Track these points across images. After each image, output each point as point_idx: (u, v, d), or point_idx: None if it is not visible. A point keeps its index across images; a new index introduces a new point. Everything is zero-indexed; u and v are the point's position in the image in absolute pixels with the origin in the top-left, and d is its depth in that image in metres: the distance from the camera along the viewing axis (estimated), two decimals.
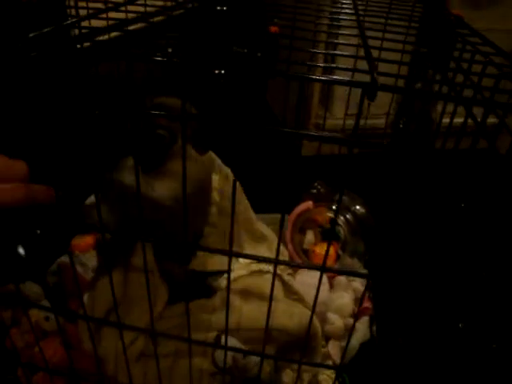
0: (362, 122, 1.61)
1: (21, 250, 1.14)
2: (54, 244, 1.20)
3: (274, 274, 0.57)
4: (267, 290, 0.89)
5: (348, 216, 1.11)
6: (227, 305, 0.59)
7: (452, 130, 0.80)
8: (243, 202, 1.02)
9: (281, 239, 0.57)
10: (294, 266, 0.89)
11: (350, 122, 1.59)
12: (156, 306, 0.84)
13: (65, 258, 1.12)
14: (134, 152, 0.72)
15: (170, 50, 0.50)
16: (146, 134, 0.75)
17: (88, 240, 1.17)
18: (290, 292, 0.93)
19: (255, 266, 0.91)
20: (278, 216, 1.24)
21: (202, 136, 0.83)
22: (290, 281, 0.95)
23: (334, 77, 0.47)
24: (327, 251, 0.54)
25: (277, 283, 0.91)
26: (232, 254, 0.55)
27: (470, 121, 0.64)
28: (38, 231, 1.25)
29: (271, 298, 0.59)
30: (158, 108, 0.76)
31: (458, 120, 0.78)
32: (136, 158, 0.68)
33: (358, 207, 1.14)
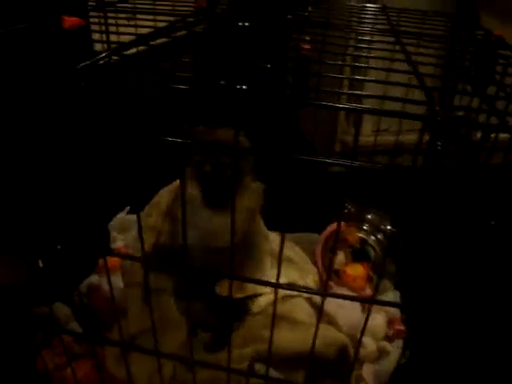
0: (393, 138, 1.59)
1: (40, 263, 1.14)
2: (79, 263, 1.20)
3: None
4: (298, 315, 0.89)
5: (379, 236, 1.09)
6: (272, 329, 0.57)
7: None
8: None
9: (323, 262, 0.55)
10: (342, 298, 0.87)
11: (379, 138, 1.57)
12: (177, 336, 0.84)
13: (93, 279, 1.12)
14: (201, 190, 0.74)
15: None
16: (212, 176, 0.77)
17: (113, 260, 1.17)
18: (323, 314, 0.91)
19: (284, 292, 0.89)
20: (311, 235, 1.24)
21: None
22: (318, 303, 0.93)
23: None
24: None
25: (307, 307, 0.90)
26: (279, 286, 0.54)
27: None
28: (59, 246, 1.25)
29: (317, 327, 0.57)
30: (212, 144, 0.78)
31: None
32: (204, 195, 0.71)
33: (388, 227, 1.12)
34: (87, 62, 0.44)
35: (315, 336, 0.57)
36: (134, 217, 1.29)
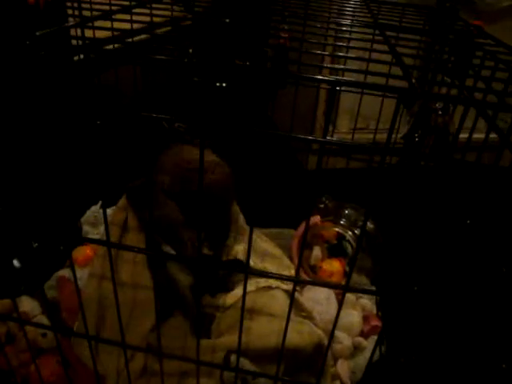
0: (369, 136, 1.59)
1: (16, 263, 1.10)
2: (51, 257, 1.16)
3: (293, 292, 0.53)
4: (276, 307, 0.86)
5: (357, 231, 1.08)
6: (241, 322, 0.55)
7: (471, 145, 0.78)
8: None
9: (301, 256, 0.54)
10: (315, 284, 0.85)
11: (357, 136, 1.57)
12: (145, 323, 0.81)
13: (63, 272, 1.08)
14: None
15: (190, 50, 0.48)
16: None
17: (87, 253, 1.13)
18: (299, 309, 0.90)
19: (263, 282, 0.87)
20: (285, 231, 1.23)
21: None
22: (299, 298, 0.91)
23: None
24: (350, 271, 0.52)
25: (285, 300, 0.88)
26: (248, 272, 0.52)
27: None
28: (35, 244, 1.22)
29: (289, 316, 0.55)
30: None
31: (478, 136, 0.76)
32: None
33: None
34: (47, 30, 0.42)
35: (286, 328, 0.55)
36: (108, 211, 1.25)
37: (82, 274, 1.07)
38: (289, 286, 0.90)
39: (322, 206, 1.11)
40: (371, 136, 1.61)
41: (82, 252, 1.15)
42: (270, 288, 0.87)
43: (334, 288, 0.96)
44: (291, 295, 0.53)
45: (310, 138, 0.43)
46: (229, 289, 0.87)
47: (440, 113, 0.80)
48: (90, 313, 0.78)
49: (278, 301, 0.86)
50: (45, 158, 1.27)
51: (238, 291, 0.85)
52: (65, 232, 1.23)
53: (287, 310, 0.87)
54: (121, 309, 0.74)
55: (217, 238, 0.85)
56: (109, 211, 1.17)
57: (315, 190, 0.91)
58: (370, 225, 1.11)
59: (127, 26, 0.82)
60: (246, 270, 0.51)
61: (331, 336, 0.57)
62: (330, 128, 1.62)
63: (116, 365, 0.76)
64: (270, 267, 0.98)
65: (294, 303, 0.90)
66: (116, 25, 0.74)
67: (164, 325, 0.84)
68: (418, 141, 0.84)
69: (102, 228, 1.22)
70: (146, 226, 0.82)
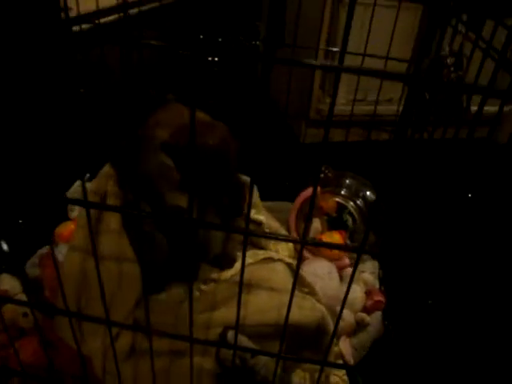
0: (370, 108, 1.52)
1: (4, 246, 1.03)
2: (36, 234, 1.10)
3: (300, 256, 0.47)
4: (277, 281, 0.80)
5: (359, 202, 1.02)
6: (239, 297, 0.49)
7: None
8: None
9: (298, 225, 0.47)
10: (326, 246, 0.79)
11: (355, 108, 1.50)
12: (130, 298, 0.74)
13: (46, 249, 1.02)
14: None
15: None
16: None
17: (72, 228, 1.06)
18: (301, 284, 0.84)
19: (263, 254, 0.81)
20: (283, 204, 1.16)
21: None
22: (301, 272, 0.85)
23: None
24: (306, 227, 0.45)
25: (287, 274, 0.82)
26: (248, 234, 0.45)
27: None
28: (21, 221, 1.16)
29: (293, 290, 0.49)
30: None
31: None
32: None
33: (368, 193, 1.05)
34: None
35: (290, 303, 0.49)
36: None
37: (66, 249, 1.01)
38: (292, 260, 0.84)
39: (321, 175, 1.05)
40: (369, 108, 1.54)
41: (67, 227, 1.08)
42: (271, 260, 0.81)
43: (348, 250, 0.89)
44: (298, 259, 0.47)
45: (325, 64, 0.36)
46: (228, 265, 0.81)
47: (452, 69, 0.73)
48: (70, 289, 0.72)
49: (279, 274, 0.80)
50: (29, 131, 1.20)
51: (237, 265, 0.79)
52: (50, 207, 1.17)
53: (289, 284, 0.81)
54: (104, 284, 0.68)
55: (225, 207, 0.79)
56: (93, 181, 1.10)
57: (318, 158, 0.84)
58: (372, 196, 1.05)
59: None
60: (246, 231, 0.44)
61: (340, 314, 0.51)
62: (328, 99, 1.55)
63: (101, 345, 0.70)
64: (266, 240, 0.92)
65: (295, 274, 0.85)
66: None
67: (153, 299, 0.78)
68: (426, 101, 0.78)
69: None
70: (131, 188, 0.75)
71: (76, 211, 1.16)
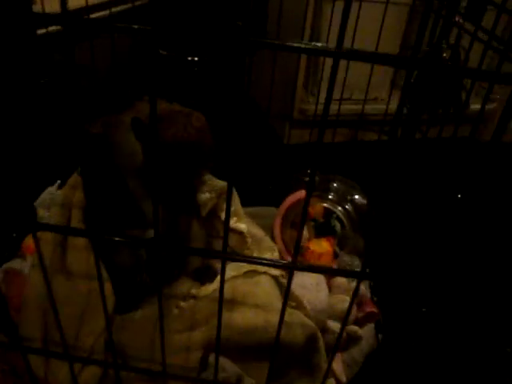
0: (353, 107, 1.47)
1: None
2: (1, 246, 1.02)
3: (290, 281, 0.41)
4: (261, 296, 0.74)
5: (347, 207, 0.96)
6: (220, 307, 0.42)
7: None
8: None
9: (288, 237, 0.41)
10: (315, 271, 0.73)
11: (342, 106, 1.45)
12: (100, 318, 0.68)
13: (12, 264, 0.94)
14: None
15: None
16: None
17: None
18: (289, 298, 0.77)
19: (247, 266, 0.75)
20: (267, 209, 1.10)
21: None
22: (285, 283, 0.79)
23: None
24: (297, 244, 0.40)
25: (272, 287, 0.76)
26: (226, 258, 0.39)
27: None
28: None
29: (284, 308, 0.43)
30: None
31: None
32: None
33: (356, 196, 0.99)
34: None
35: (281, 321, 0.43)
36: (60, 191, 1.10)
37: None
38: (278, 271, 0.78)
39: (306, 179, 0.99)
40: (355, 107, 1.49)
41: (31, 241, 1.01)
42: (255, 273, 0.75)
43: (346, 276, 0.84)
44: (287, 284, 0.41)
45: (323, 47, 0.31)
46: (210, 279, 0.75)
47: (449, 63, 0.68)
48: (35, 310, 0.65)
49: (264, 288, 0.74)
50: None
51: (218, 279, 0.73)
52: (18, 217, 1.09)
53: (275, 299, 0.76)
54: (71, 305, 0.61)
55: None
56: (61, 192, 1.03)
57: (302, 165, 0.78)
58: (361, 198, 0.99)
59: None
60: (224, 255, 0.38)
61: (343, 329, 0.45)
62: (312, 99, 1.49)
63: (69, 373, 0.63)
64: (251, 249, 0.86)
65: (281, 290, 0.79)
66: None
67: (128, 319, 0.72)
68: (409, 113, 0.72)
69: (53, 210, 1.07)
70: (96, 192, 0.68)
71: (45, 221, 1.08)
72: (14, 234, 1.05)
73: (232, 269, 0.75)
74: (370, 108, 1.50)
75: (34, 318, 0.64)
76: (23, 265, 0.93)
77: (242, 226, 0.84)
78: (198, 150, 0.66)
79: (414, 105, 0.90)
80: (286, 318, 0.72)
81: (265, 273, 0.76)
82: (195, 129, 0.66)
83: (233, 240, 0.85)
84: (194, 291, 0.74)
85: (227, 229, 0.39)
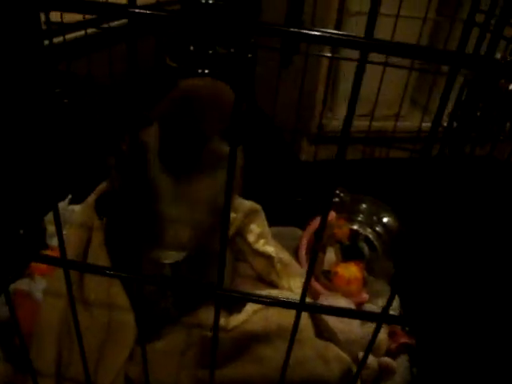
0: (377, 124, 1.42)
1: None
2: (7, 265, 0.96)
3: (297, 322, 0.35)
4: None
5: (378, 228, 0.91)
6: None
7: None
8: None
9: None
10: (325, 313, 0.68)
11: (360, 123, 1.40)
12: (120, 355, 0.62)
13: (21, 284, 0.88)
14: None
15: None
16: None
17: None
18: (322, 328, 0.72)
19: (277, 295, 0.69)
20: (292, 230, 1.04)
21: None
22: (320, 314, 0.73)
23: None
24: (307, 281, 0.35)
25: (305, 318, 0.70)
26: (220, 296, 0.34)
27: None
28: None
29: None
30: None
31: None
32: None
33: (386, 218, 0.93)
34: None
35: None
36: (76, 207, 1.04)
37: (44, 284, 0.87)
38: (309, 299, 0.72)
39: (336, 199, 0.93)
40: (375, 123, 1.44)
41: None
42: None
43: (366, 319, 0.78)
44: (293, 326, 0.35)
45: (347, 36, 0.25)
46: (238, 307, 0.69)
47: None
48: (49, 341, 0.59)
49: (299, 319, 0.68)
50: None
51: (248, 307, 0.67)
52: (25, 234, 1.03)
53: (309, 331, 0.70)
54: (90, 338, 0.55)
55: None
56: (77, 208, 0.97)
57: (333, 180, 0.72)
58: (391, 220, 0.93)
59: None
60: (215, 292, 0.32)
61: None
62: (329, 114, 1.45)
63: None
64: (280, 276, 0.80)
65: (315, 321, 0.73)
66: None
67: (149, 349, 0.65)
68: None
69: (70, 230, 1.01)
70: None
71: (56, 238, 1.02)
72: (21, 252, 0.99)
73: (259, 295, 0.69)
74: (390, 125, 1.46)
75: (47, 352, 0.58)
76: (32, 286, 0.86)
77: (271, 250, 0.78)
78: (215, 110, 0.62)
79: (464, 119, 0.84)
80: (323, 351, 0.67)
81: (296, 301, 0.69)
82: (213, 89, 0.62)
83: (261, 264, 0.79)
84: (222, 322, 0.68)
85: (223, 258, 0.33)
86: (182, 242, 0.65)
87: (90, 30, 1.28)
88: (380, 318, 0.36)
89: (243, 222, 0.80)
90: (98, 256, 0.62)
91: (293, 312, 0.69)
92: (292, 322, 0.67)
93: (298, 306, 0.34)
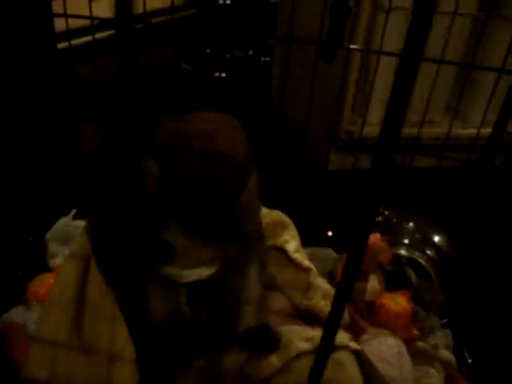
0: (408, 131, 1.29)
1: None
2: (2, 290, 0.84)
3: None
4: (345, 379, 0.56)
5: (429, 251, 0.78)
6: None
7: None
8: None
9: None
10: None
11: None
12: None
13: (15, 314, 0.76)
14: None
15: None
16: None
17: (51, 283, 0.81)
18: (374, 378, 0.59)
19: (317, 333, 0.57)
20: (325, 251, 0.92)
21: None
22: (370, 359, 0.61)
23: None
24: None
25: (355, 369, 0.57)
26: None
27: None
28: None
29: None
30: None
31: None
32: None
33: (437, 239, 0.81)
34: None
35: None
36: (81, 223, 0.92)
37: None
38: (358, 345, 0.60)
39: (379, 218, 0.80)
40: (408, 130, 1.32)
41: (45, 282, 0.83)
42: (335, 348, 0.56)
43: None
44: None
45: None
46: (270, 345, 0.57)
47: None
48: None
49: (347, 371, 0.55)
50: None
51: (292, 348, 0.55)
52: (23, 254, 0.91)
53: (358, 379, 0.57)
54: None
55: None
56: (82, 224, 0.85)
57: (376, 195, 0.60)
58: (443, 242, 0.81)
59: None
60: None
61: None
62: (360, 120, 1.32)
63: None
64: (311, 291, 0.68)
65: (366, 367, 0.61)
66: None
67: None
68: None
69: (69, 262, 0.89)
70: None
71: (59, 258, 0.90)
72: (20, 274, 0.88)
73: (301, 338, 0.57)
74: (424, 131, 1.33)
75: None
76: (27, 317, 0.75)
77: (308, 263, 0.68)
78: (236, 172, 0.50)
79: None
80: None
81: (346, 347, 0.57)
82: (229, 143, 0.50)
83: (297, 279, 0.68)
84: (249, 369, 0.56)
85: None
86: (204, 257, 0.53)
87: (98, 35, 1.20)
88: None
89: (274, 231, 0.70)
90: (104, 295, 0.50)
91: (337, 362, 0.56)
92: (339, 376, 0.55)
93: None
